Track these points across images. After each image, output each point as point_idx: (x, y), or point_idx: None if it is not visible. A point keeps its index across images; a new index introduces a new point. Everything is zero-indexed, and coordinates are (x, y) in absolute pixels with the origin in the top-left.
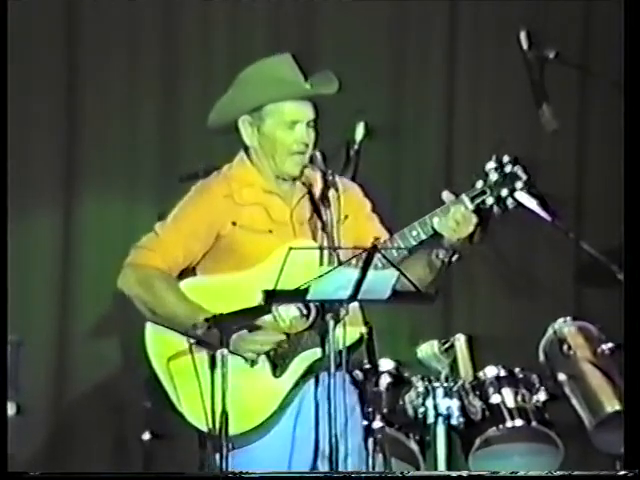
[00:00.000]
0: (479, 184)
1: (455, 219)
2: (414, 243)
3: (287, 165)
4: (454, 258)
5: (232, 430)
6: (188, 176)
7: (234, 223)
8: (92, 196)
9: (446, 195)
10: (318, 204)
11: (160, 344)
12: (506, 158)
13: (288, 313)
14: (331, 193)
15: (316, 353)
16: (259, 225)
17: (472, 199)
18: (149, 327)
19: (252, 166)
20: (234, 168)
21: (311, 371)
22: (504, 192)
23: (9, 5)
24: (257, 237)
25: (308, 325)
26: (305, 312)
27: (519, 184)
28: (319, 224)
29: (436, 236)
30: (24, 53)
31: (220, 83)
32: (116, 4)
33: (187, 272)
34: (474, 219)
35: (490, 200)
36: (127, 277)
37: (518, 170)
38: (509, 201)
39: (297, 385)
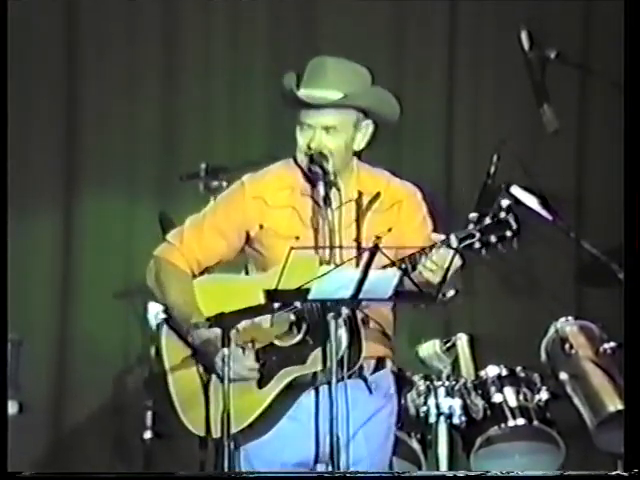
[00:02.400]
0: (470, 226)
1: (433, 261)
2: (401, 274)
3: (306, 163)
4: (452, 293)
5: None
6: (188, 176)
7: (261, 226)
8: (92, 196)
9: (435, 236)
10: (363, 213)
11: (172, 349)
12: (504, 203)
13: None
14: (332, 193)
15: (299, 369)
16: (286, 230)
17: (460, 240)
18: (165, 331)
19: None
20: (283, 166)
21: (292, 386)
22: (492, 239)
23: (9, 5)
24: (282, 242)
25: (298, 340)
26: (296, 323)
27: (509, 233)
28: (356, 232)
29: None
30: (24, 53)
31: (220, 83)
32: (116, 4)
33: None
34: (458, 263)
35: (477, 244)
36: (149, 270)
37: (510, 218)
38: (499, 247)
39: (277, 398)
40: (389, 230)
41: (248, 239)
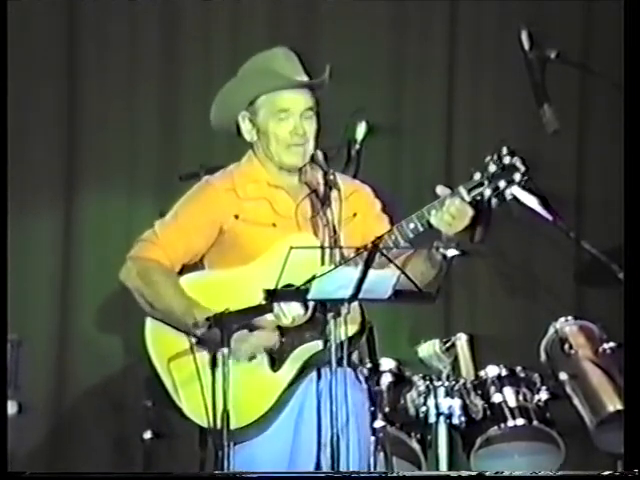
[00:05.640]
0: (477, 176)
1: (450, 213)
2: (412, 236)
3: (285, 157)
4: (455, 253)
5: (231, 425)
6: (188, 175)
7: (236, 216)
8: (92, 195)
9: (440, 189)
10: (323, 203)
11: (160, 341)
12: (504, 150)
13: (291, 310)
14: (332, 193)
15: (314, 346)
16: (262, 218)
17: (469, 191)
18: (149, 324)
19: (258, 162)
20: (242, 166)
21: (309, 365)
22: (502, 184)
23: (9, 5)
24: (260, 230)
25: (307, 319)
26: (304, 306)
27: (517, 176)
28: (323, 221)
29: (435, 229)
30: (24, 53)
31: (220, 83)
32: (116, 4)
33: (192, 266)
34: (470, 212)
35: (487, 192)
36: (128, 270)
37: (517, 162)
38: (507, 192)
39: (295, 379)
40: (354, 215)
41: (219, 234)
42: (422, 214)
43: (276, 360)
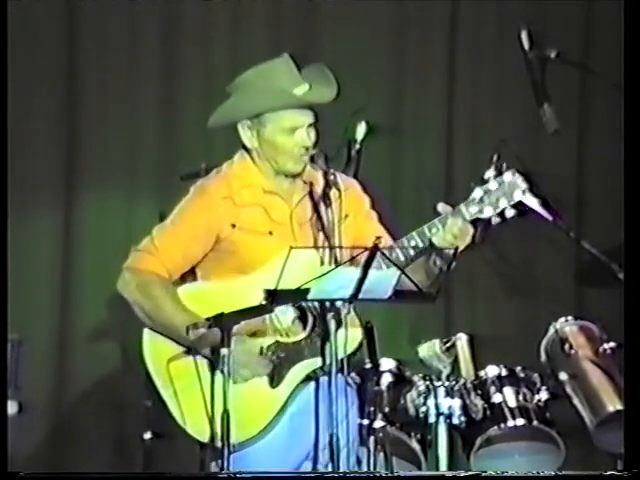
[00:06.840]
0: (477, 193)
1: (452, 233)
2: (413, 254)
3: (289, 165)
4: (452, 266)
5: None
6: (189, 175)
7: (234, 225)
8: (92, 196)
9: (442, 207)
10: (318, 204)
11: (158, 350)
12: (505, 166)
13: (286, 317)
14: (332, 192)
15: (313, 363)
16: (259, 227)
17: (470, 210)
18: (146, 336)
19: (253, 165)
20: (235, 166)
21: (308, 380)
22: (503, 203)
23: (9, 5)
24: (257, 239)
25: (305, 335)
26: (302, 318)
27: (518, 194)
28: (319, 224)
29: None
30: (24, 53)
31: (220, 83)
32: (116, 4)
33: (187, 274)
34: (471, 231)
35: (488, 210)
36: (126, 282)
37: (517, 179)
38: (507, 212)
39: (293, 394)
40: (346, 217)
41: (216, 242)
42: (423, 232)
43: (275, 376)
